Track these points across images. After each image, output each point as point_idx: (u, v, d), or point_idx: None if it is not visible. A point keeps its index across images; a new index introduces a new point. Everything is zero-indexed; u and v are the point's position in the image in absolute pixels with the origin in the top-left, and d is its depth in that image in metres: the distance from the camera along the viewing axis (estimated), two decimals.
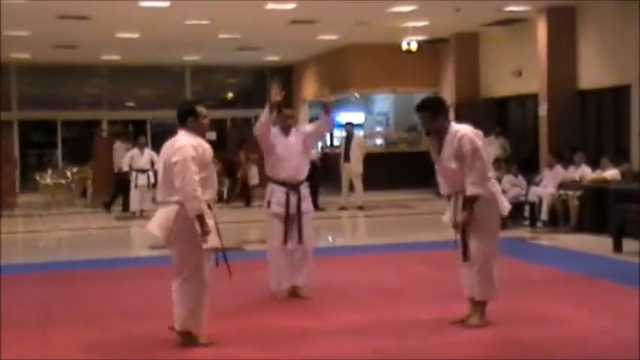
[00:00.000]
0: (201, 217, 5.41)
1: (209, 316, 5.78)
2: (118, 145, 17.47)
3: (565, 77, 15.33)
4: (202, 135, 5.73)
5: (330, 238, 12.66)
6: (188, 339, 5.63)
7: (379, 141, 23.36)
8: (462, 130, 6.00)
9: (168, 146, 5.61)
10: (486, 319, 6.05)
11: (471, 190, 5.84)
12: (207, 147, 5.65)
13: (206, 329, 5.74)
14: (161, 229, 5.54)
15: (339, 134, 21.85)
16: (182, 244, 5.52)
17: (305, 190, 7.30)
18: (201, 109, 5.74)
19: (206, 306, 5.67)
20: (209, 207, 5.62)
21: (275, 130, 7.32)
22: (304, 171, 7.31)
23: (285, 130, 7.36)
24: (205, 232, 5.45)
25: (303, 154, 7.30)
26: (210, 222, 5.54)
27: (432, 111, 6.10)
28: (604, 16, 14.69)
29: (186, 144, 5.50)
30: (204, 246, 5.51)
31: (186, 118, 5.70)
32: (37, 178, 19.17)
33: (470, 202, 5.88)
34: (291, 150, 7.24)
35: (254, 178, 17.21)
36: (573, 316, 6.37)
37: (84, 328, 6.34)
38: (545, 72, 15.43)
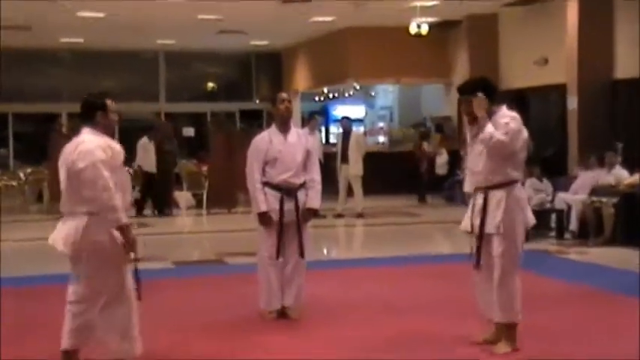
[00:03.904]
0: (123, 228, 5.32)
1: (183, 340, 5.71)
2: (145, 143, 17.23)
3: (599, 65, 15.30)
4: (110, 134, 5.61)
5: (324, 250, 12.60)
6: None
7: (382, 139, 23.35)
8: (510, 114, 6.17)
9: (70, 149, 5.42)
10: (516, 342, 6.04)
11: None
12: (117, 147, 5.52)
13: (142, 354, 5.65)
14: (67, 244, 5.35)
15: (336, 131, 21.83)
16: (95, 262, 5.38)
17: (304, 195, 7.27)
18: (110, 103, 5.62)
19: (137, 328, 5.57)
20: None
21: (272, 130, 7.34)
22: (302, 175, 7.28)
23: (284, 126, 7.34)
24: (129, 244, 5.36)
25: (302, 157, 7.27)
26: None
27: (488, 93, 6.14)
28: None
29: (93, 146, 5.34)
30: (126, 260, 5.44)
31: (94, 113, 5.54)
32: None
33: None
34: (289, 150, 7.23)
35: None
36: (606, 341, 6.36)
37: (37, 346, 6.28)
38: (576, 59, 15.41)
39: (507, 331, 6.02)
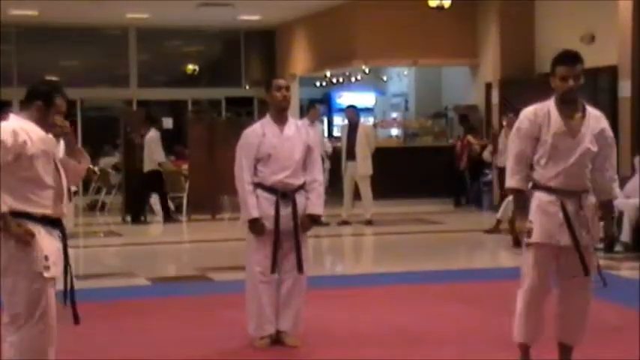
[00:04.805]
0: (3, 219, 5.18)
1: None
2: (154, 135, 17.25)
3: None
4: (45, 128, 5.46)
5: (327, 264, 12.64)
6: None
7: (395, 132, 23.43)
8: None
9: None
10: None
11: (614, 193, 6.25)
12: (39, 135, 5.39)
13: None
14: None
15: (340, 122, 21.83)
16: (10, 274, 5.31)
17: (304, 199, 7.26)
18: (60, 102, 5.52)
19: (51, 356, 5.47)
20: (52, 222, 5.45)
21: (266, 121, 7.33)
22: (301, 175, 7.27)
23: (280, 116, 7.34)
24: (23, 241, 5.24)
25: (301, 153, 7.26)
26: (50, 243, 5.39)
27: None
28: None
29: (3, 125, 5.31)
30: (45, 274, 5.32)
31: (33, 101, 5.49)
32: None
33: (612, 208, 6.44)
34: (285, 145, 7.21)
35: None
36: None
37: None
38: (629, 37, 15.39)
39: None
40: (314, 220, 7.35)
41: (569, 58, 6.09)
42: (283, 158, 7.18)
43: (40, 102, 5.46)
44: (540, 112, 6.12)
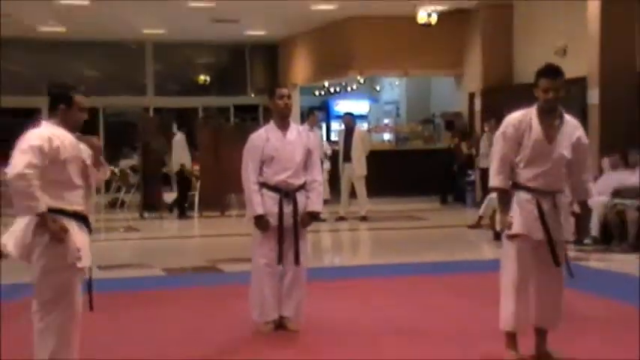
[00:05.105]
0: (42, 219, 5.25)
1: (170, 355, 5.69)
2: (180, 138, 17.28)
3: (622, 57, 15.24)
4: (72, 129, 5.51)
5: (324, 257, 12.61)
6: None
7: (387, 136, 23.44)
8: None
9: None
10: None
11: (591, 193, 6.32)
12: (70, 141, 5.43)
13: None
14: (16, 245, 5.38)
15: (337, 128, 21.82)
16: (42, 264, 5.36)
17: (304, 198, 7.25)
18: (79, 98, 5.53)
19: (76, 340, 5.50)
20: (81, 218, 5.51)
21: (270, 127, 7.33)
22: (302, 175, 7.27)
23: (282, 122, 7.33)
24: (57, 237, 5.28)
25: (301, 156, 7.26)
26: (81, 237, 5.43)
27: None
28: None
29: (33, 133, 5.35)
30: (78, 265, 5.37)
31: (57, 106, 5.49)
32: None
33: (587, 207, 6.45)
34: (287, 148, 7.21)
35: None
36: None
37: None
38: (598, 50, 15.34)
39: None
40: (313, 216, 7.32)
41: (551, 71, 6.11)
42: (285, 160, 7.18)
43: (63, 105, 5.48)
44: (524, 120, 6.13)
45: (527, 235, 6.07)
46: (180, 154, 16.97)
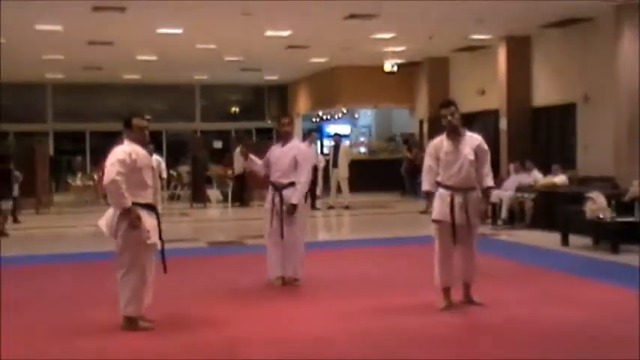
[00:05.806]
0: (127, 211, 5.30)
1: (207, 303, 5.71)
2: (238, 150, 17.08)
3: (521, 96, 15.46)
4: (142, 144, 5.52)
5: (319, 234, 12.62)
6: (130, 323, 5.47)
7: (363, 149, 23.42)
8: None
9: None
10: None
11: (489, 183, 6.07)
12: (142, 153, 5.46)
13: (148, 314, 5.61)
14: (107, 226, 5.46)
15: (328, 144, 21.88)
16: (123, 240, 5.40)
17: (288, 192, 7.09)
18: (136, 121, 5.51)
19: (144, 295, 5.50)
20: (151, 208, 5.51)
21: (278, 143, 7.36)
22: (291, 176, 7.14)
23: (284, 139, 7.31)
24: (133, 225, 5.31)
25: (289, 162, 7.16)
26: (150, 221, 5.43)
27: (457, 108, 6.09)
28: (553, 43, 14.83)
29: (118, 149, 5.41)
30: (148, 241, 5.40)
31: (125, 129, 5.52)
32: (69, 180, 19.58)
33: (489, 193, 6.19)
34: (281, 157, 7.20)
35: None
36: (526, 300, 6.40)
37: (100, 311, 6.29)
38: (505, 91, 15.54)
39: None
40: (293, 206, 7.04)
41: (445, 103, 6.18)
42: (279, 164, 7.16)
43: (127, 127, 5.51)
44: (438, 140, 6.14)
45: (443, 219, 6.02)
46: (236, 163, 16.82)
